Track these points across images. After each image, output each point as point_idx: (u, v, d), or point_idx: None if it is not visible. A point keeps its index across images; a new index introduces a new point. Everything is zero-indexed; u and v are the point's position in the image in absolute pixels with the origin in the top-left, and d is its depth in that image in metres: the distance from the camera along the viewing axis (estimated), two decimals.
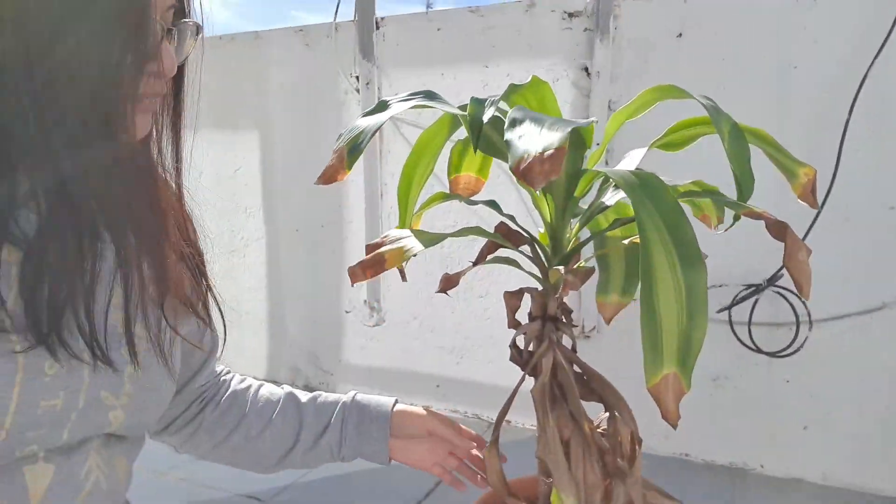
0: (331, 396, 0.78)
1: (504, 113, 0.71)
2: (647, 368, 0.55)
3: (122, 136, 0.48)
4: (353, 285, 0.83)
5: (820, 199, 1.40)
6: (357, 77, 1.93)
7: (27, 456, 0.48)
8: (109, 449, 0.55)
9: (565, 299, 0.81)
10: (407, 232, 0.87)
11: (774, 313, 1.53)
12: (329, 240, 2.09)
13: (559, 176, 0.52)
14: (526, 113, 0.61)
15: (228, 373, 0.81)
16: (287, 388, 0.79)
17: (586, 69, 1.67)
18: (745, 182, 0.67)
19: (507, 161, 0.80)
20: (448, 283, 0.94)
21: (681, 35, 1.57)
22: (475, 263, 0.91)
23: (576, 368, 0.74)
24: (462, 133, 0.87)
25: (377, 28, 1.89)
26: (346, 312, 2.13)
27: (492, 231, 0.91)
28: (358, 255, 1.96)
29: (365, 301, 2.07)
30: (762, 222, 0.63)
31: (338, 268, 2.09)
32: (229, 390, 0.77)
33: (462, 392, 2.00)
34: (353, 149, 0.67)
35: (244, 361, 2.36)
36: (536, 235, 0.85)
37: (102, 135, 0.46)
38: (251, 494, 1.53)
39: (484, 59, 1.78)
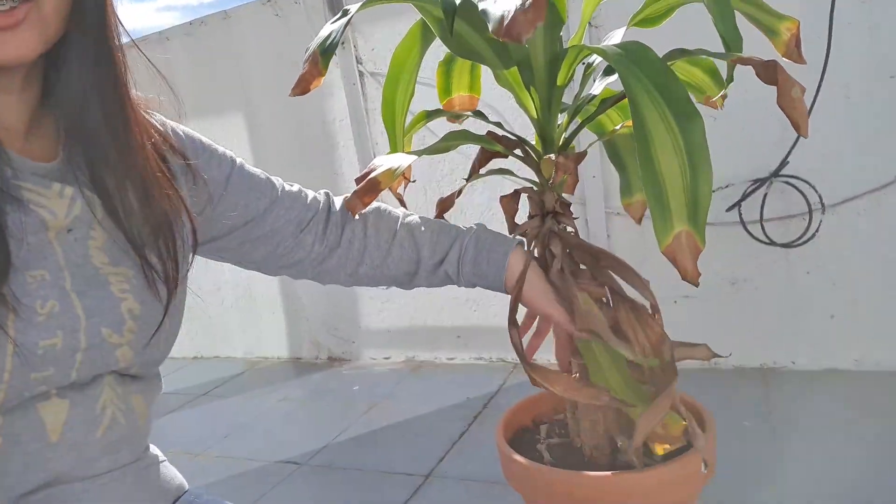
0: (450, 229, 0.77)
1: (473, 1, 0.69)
2: (657, 230, 0.53)
3: None
4: (354, 216, 0.82)
5: (816, 79, 1.37)
6: None
7: (39, 394, 0.49)
8: (124, 386, 0.55)
9: (567, 197, 0.79)
10: (393, 154, 0.85)
11: (785, 206, 1.50)
12: None
13: (542, 21, 0.51)
14: None
15: (326, 195, 0.81)
16: (399, 215, 0.78)
17: None
18: (731, 38, 0.65)
19: (484, 62, 0.78)
20: (444, 206, 0.92)
21: None
22: (468, 178, 0.89)
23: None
24: (438, 54, 0.85)
25: None
26: None
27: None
28: None
29: None
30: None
31: None
32: (338, 220, 0.76)
33: (482, 339, 2.00)
34: (326, 50, 0.65)
35: (265, 342, 2.37)
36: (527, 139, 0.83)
37: None
38: (288, 460, 1.55)
39: None
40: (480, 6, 0.57)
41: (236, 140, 2.18)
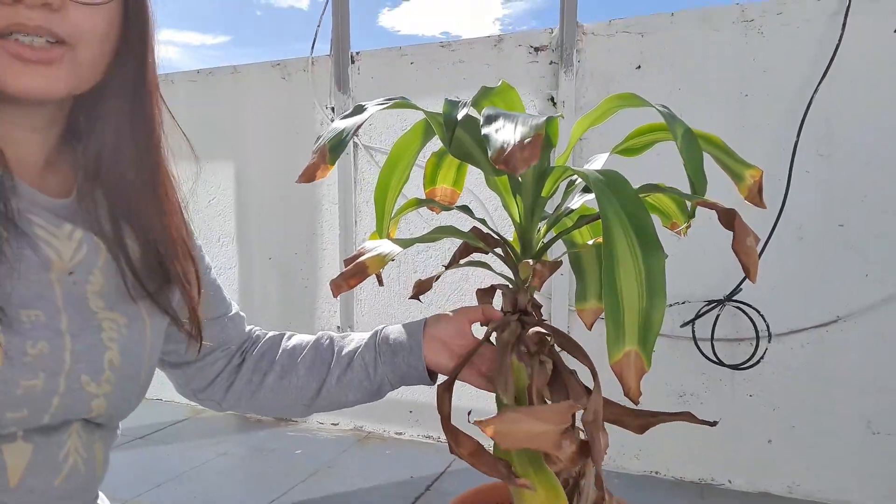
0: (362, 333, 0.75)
1: (475, 117, 0.76)
2: (609, 345, 0.58)
3: None
4: (335, 297, 0.85)
5: (773, 219, 1.49)
6: (332, 108, 1.99)
7: (6, 435, 0.48)
8: (89, 433, 0.55)
9: (536, 296, 0.85)
10: (383, 240, 0.90)
11: (735, 329, 1.59)
12: (303, 267, 2.10)
13: (537, 161, 0.57)
14: (499, 111, 0.66)
15: (264, 331, 0.78)
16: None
17: (552, 99, 1.76)
18: (697, 181, 0.73)
19: (478, 166, 0.85)
20: (421, 288, 0.97)
21: (640, 67, 1.67)
22: (448, 266, 0.95)
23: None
24: (435, 145, 0.92)
25: (352, 62, 1.97)
26: None
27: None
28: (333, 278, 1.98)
29: (338, 327, 2.07)
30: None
31: (312, 294, 2.10)
32: (263, 340, 0.75)
33: (435, 417, 1.99)
34: (336, 146, 0.70)
35: None
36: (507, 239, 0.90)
37: None
38: None
39: (455, 90, 1.86)
40: (483, 129, 0.63)
41: (223, 186, 2.22)
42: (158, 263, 0.57)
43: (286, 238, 2.13)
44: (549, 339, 0.74)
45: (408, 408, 2.04)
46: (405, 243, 0.84)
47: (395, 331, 0.72)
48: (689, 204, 0.83)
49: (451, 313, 0.73)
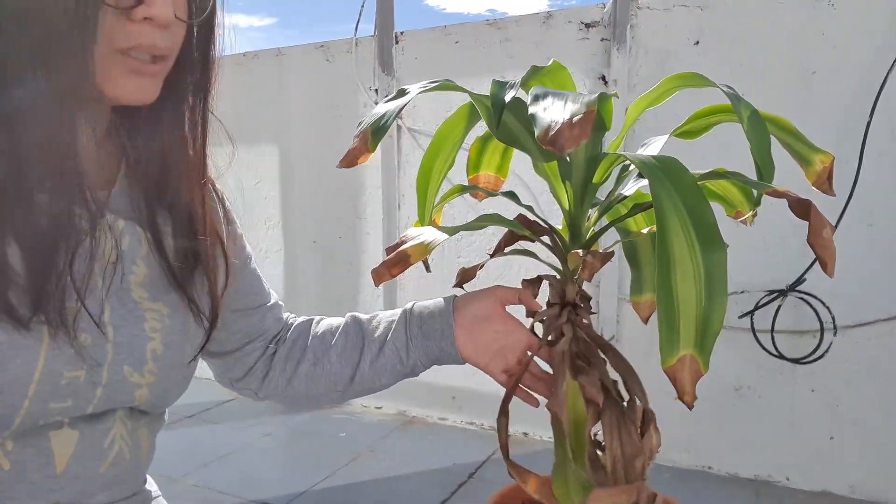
0: (389, 312, 0.73)
1: (523, 99, 0.72)
2: (662, 349, 0.53)
3: (85, 89, 0.44)
4: (377, 286, 0.83)
5: (842, 205, 1.39)
6: (376, 90, 1.96)
7: (52, 423, 0.49)
8: (134, 420, 0.55)
9: (584, 286, 0.80)
10: (426, 228, 0.87)
11: (798, 320, 1.51)
12: (346, 250, 2.10)
13: (588, 139, 0.53)
14: (548, 90, 0.62)
15: (295, 316, 0.78)
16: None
17: (603, 78, 1.68)
18: (765, 166, 0.67)
19: (526, 151, 0.81)
20: (465, 276, 0.94)
21: (698, 43, 1.58)
22: (493, 255, 0.91)
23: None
24: (480, 129, 0.88)
25: (396, 42, 1.93)
26: None
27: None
28: (376, 262, 1.99)
29: None
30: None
31: (355, 278, 2.10)
32: (293, 328, 0.74)
33: (477, 404, 1.98)
34: (378, 130, 0.67)
35: None
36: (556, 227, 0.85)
37: (53, 86, 0.43)
38: (263, 501, 1.52)
39: (501, 70, 1.80)
40: (530, 109, 0.59)
41: (267, 168, 2.24)
42: (195, 254, 0.57)
43: (329, 222, 2.13)
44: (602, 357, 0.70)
45: (450, 393, 2.03)
46: (449, 231, 0.81)
47: (425, 311, 0.70)
48: (755, 192, 0.77)
49: (482, 293, 0.71)
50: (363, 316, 0.73)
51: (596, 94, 0.55)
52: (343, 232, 2.11)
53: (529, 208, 0.90)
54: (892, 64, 1.38)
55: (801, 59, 1.49)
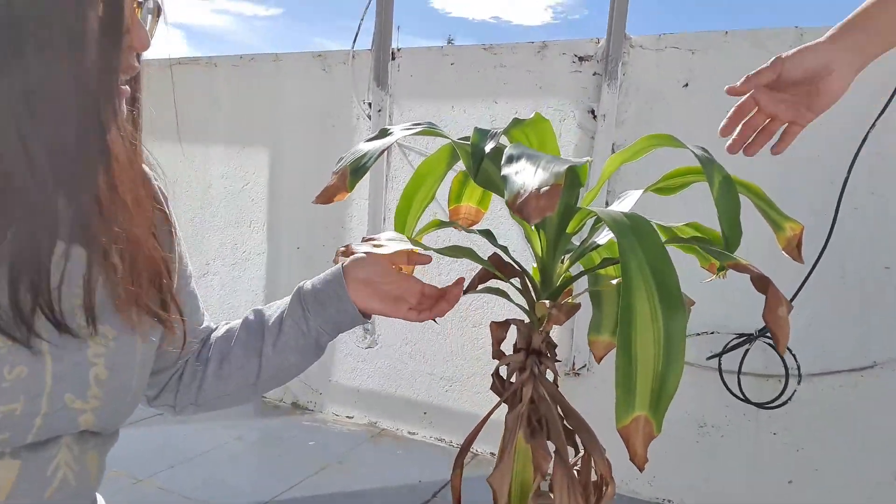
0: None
1: (502, 148, 0.74)
2: (618, 409, 0.54)
3: (107, 115, 0.47)
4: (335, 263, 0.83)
5: (815, 255, 1.42)
6: (370, 104, 1.98)
7: None
8: (81, 444, 0.54)
9: (553, 335, 0.82)
10: (400, 236, 0.89)
11: (765, 365, 1.54)
12: (329, 259, 2.10)
13: (554, 212, 0.54)
14: (523, 150, 0.63)
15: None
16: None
17: (592, 112, 1.71)
18: (732, 235, 0.69)
19: (502, 197, 0.82)
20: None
21: (687, 85, 1.61)
22: (466, 291, 0.93)
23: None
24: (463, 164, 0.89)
25: (393, 58, 1.95)
26: None
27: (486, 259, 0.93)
28: None
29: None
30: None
31: None
32: (199, 340, 0.73)
33: (448, 421, 1.99)
34: (356, 170, 0.68)
35: None
36: (529, 269, 0.87)
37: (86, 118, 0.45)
38: None
39: (494, 95, 1.82)
40: (503, 170, 0.60)
41: (256, 171, 2.24)
42: (142, 269, 0.55)
43: (315, 229, 2.14)
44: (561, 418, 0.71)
45: (422, 409, 2.04)
46: (419, 246, 0.82)
47: (317, 282, 0.71)
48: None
49: (371, 255, 0.72)
50: (261, 307, 0.73)
51: (565, 165, 0.57)
52: (327, 240, 2.12)
53: (504, 249, 0.92)
54: (875, 121, 1.41)
55: None
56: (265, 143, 2.21)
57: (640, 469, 0.55)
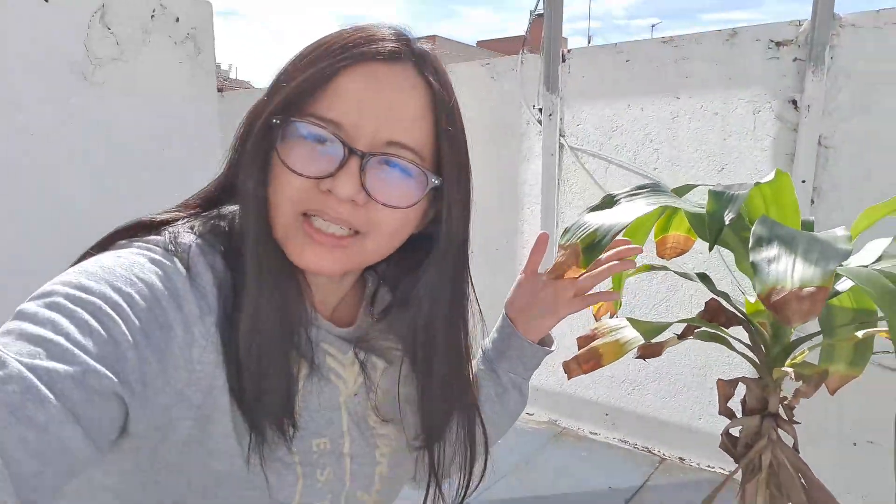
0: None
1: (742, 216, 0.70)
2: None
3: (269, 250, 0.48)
4: (569, 379, 0.86)
5: None
6: (540, 109, 1.96)
7: None
8: None
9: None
10: (622, 321, 0.88)
11: None
12: (504, 262, 2.15)
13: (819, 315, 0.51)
14: (773, 228, 0.60)
15: None
16: None
17: (794, 102, 1.55)
18: None
19: (736, 256, 0.78)
20: (649, 351, 0.94)
21: None
22: (681, 337, 0.91)
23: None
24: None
25: (563, 60, 1.91)
26: None
27: (701, 307, 0.90)
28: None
29: None
30: None
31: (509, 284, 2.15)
32: None
33: (631, 423, 1.97)
34: (591, 248, 0.67)
35: None
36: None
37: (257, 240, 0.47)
38: None
39: (674, 90, 1.72)
40: (752, 255, 0.56)
41: None
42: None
43: (489, 234, 2.19)
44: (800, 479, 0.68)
45: (603, 410, 2.03)
46: (647, 332, 0.82)
47: (490, 338, 0.71)
48: None
49: (517, 283, 0.71)
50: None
51: (834, 263, 0.53)
52: (501, 244, 2.16)
53: (725, 295, 0.88)
54: None
55: None
56: None
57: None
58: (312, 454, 0.51)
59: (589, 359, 0.78)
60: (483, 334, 0.65)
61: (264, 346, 0.48)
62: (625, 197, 0.73)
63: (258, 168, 0.47)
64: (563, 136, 1.94)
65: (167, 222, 0.50)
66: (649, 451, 1.94)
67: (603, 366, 0.78)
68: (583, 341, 0.81)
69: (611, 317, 0.97)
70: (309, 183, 0.47)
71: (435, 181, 0.50)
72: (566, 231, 0.73)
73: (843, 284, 0.77)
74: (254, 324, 0.47)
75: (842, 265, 0.68)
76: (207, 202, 0.52)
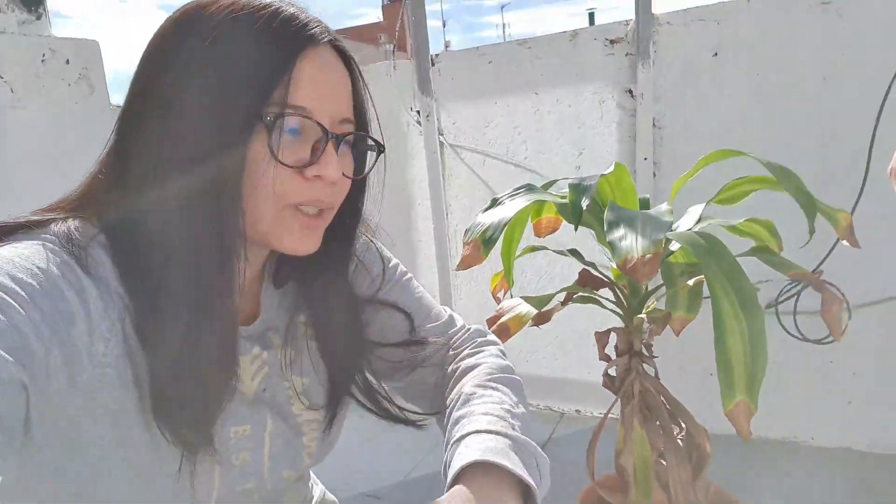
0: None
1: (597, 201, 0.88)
2: (723, 396, 0.68)
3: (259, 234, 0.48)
4: None
5: (855, 195, 1.55)
6: (418, 111, 2.12)
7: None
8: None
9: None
10: (517, 300, 1.06)
11: (817, 303, 1.69)
12: (400, 256, 2.28)
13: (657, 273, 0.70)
14: (619, 214, 0.79)
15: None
16: None
17: (630, 91, 1.83)
18: (812, 227, 0.81)
19: (594, 230, 0.98)
20: (540, 319, 1.13)
21: (716, 54, 1.72)
22: (563, 303, 1.10)
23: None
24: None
25: (433, 64, 2.07)
26: None
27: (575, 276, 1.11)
28: (429, 268, 2.16)
29: None
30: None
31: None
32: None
33: (531, 386, 2.19)
34: (487, 241, 0.83)
35: None
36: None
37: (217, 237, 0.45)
38: (370, 493, 1.76)
39: (534, 87, 1.95)
40: (608, 235, 0.75)
41: None
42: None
43: (384, 230, 2.31)
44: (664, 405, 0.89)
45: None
46: (538, 303, 1.00)
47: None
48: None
49: None
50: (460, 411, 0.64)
51: (661, 233, 0.72)
52: (397, 240, 2.30)
53: (592, 265, 1.08)
54: None
55: (812, 66, 1.62)
56: None
57: (746, 439, 0.72)
58: (229, 440, 0.53)
59: (500, 333, 0.95)
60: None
61: (192, 371, 0.46)
62: (507, 197, 0.91)
63: (232, 169, 0.45)
64: (442, 135, 2.12)
65: (51, 222, 0.47)
66: (550, 409, 2.20)
67: (511, 336, 0.95)
68: (492, 321, 0.97)
69: (505, 294, 1.15)
70: (293, 172, 0.47)
71: (379, 147, 0.55)
72: (467, 231, 0.89)
73: (675, 245, 1.00)
74: (188, 354, 0.45)
75: (671, 231, 0.89)
76: (86, 204, 0.50)
